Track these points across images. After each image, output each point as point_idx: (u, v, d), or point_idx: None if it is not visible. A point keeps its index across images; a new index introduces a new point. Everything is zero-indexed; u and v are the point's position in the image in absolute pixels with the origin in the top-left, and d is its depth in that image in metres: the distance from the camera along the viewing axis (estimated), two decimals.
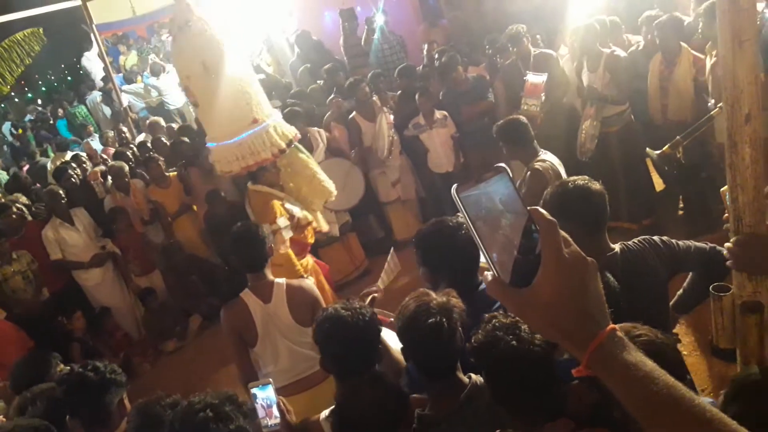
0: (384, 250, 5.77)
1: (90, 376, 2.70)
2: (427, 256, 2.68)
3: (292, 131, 4.65)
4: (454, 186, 0.96)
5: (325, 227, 5.14)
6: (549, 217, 0.93)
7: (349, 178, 6.49)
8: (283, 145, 4.45)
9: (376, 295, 3.24)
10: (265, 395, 2.48)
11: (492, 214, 0.94)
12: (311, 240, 4.89)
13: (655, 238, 2.69)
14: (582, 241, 2.69)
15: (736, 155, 1.30)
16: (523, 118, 4.30)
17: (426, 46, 7.78)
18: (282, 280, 3.54)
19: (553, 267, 0.91)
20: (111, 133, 9.68)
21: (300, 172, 4.80)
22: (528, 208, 0.95)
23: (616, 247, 2.65)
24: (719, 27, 1.24)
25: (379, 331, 2.50)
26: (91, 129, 11.16)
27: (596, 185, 2.65)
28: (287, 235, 4.53)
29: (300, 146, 4.85)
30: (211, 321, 6.41)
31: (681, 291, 2.82)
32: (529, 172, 4.05)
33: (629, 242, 2.69)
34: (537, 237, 0.95)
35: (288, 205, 4.63)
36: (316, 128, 6.57)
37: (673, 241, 2.68)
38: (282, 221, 4.50)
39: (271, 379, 2.58)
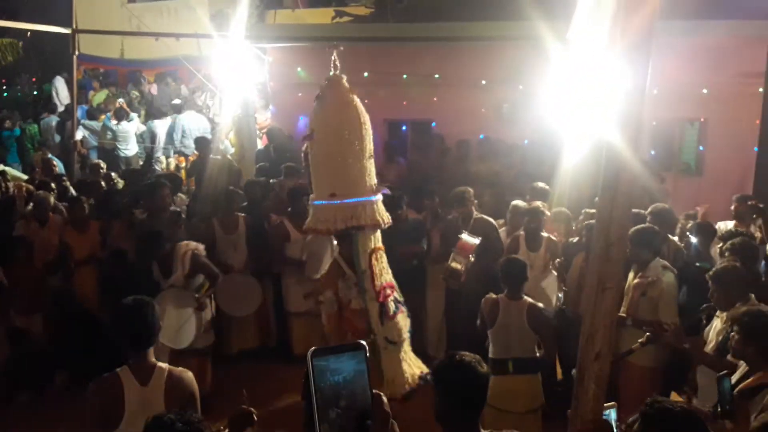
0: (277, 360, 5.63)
1: None
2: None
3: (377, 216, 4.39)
4: (311, 350, 0.98)
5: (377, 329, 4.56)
6: (387, 408, 0.95)
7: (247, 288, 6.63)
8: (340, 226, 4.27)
9: (254, 415, 2.92)
10: None
11: (336, 388, 0.95)
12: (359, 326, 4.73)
13: None
14: (452, 418, 2.71)
15: (581, 388, 1.38)
16: (523, 261, 4.95)
17: None
18: (165, 366, 3.33)
19: None
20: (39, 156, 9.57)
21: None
22: (374, 391, 0.97)
23: None
24: (588, 271, 1.36)
25: None
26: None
27: (484, 368, 2.69)
28: (325, 309, 4.74)
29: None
30: (77, 383, 5.98)
31: None
32: None
33: None
34: (369, 424, 0.96)
35: (344, 286, 4.65)
36: None
37: None
38: (327, 295, 4.74)
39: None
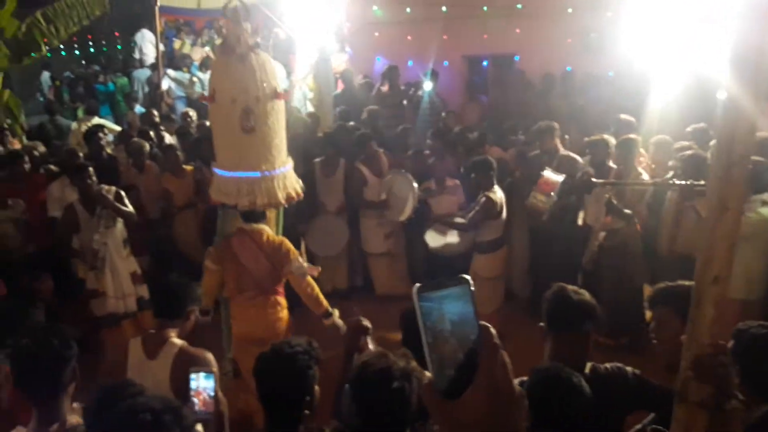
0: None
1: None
2: None
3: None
4: (416, 286, 0.97)
5: None
6: (496, 340, 0.94)
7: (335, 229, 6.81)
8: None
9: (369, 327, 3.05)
10: (205, 384, 2.49)
11: (444, 322, 0.95)
12: None
13: (628, 369, 2.66)
14: (563, 347, 2.60)
15: (698, 311, 1.36)
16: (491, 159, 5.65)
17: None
18: (178, 342, 3.21)
19: (482, 391, 0.91)
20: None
21: None
22: (481, 323, 0.96)
23: (588, 365, 2.62)
24: (708, 192, 1.32)
25: (312, 375, 2.49)
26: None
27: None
28: None
29: None
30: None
31: (639, 426, 2.68)
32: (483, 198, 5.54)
33: (601, 366, 2.66)
34: (478, 361, 0.94)
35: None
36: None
37: (645, 378, 2.65)
38: None
39: (215, 370, 2.54)
